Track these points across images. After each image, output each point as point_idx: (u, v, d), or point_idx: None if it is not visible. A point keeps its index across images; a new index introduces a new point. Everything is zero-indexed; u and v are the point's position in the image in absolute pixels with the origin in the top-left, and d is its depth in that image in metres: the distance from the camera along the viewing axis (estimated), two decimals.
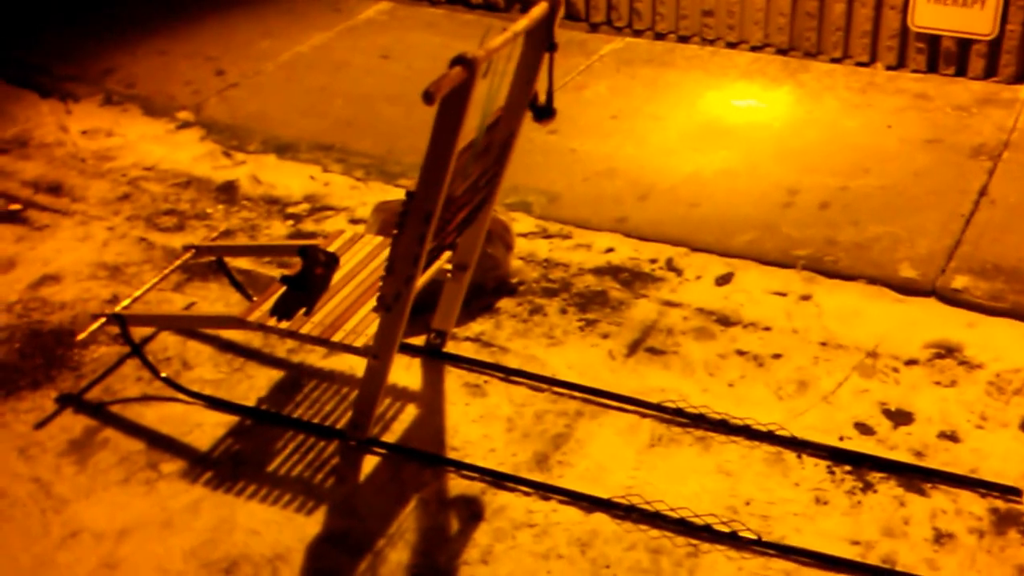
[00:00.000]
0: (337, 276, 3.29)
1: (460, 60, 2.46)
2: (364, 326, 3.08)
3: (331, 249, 3.38)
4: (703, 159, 4.65)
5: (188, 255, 3.74)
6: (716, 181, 4.49)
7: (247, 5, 6.46)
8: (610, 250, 4.12)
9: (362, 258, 3.38)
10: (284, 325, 3.11)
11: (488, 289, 3.86)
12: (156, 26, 6.21)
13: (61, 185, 4.73)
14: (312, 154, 4.90)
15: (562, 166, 4.68)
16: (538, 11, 2.78)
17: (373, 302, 3.06)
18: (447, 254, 3.29)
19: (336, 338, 3.05)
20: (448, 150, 2.58)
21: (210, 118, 5.25)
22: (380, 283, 2.91)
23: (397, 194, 4.47)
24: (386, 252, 3.34)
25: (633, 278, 3.95)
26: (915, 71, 5.24)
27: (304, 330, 3.08)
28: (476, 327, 3.73)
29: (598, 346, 3.63)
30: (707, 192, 4.42)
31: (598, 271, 4.00)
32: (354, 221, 4.37)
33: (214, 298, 3.92)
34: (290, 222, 4.40)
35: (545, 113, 2.98)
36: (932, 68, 5.21)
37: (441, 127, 2.56)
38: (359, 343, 3.03)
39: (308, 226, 4.36)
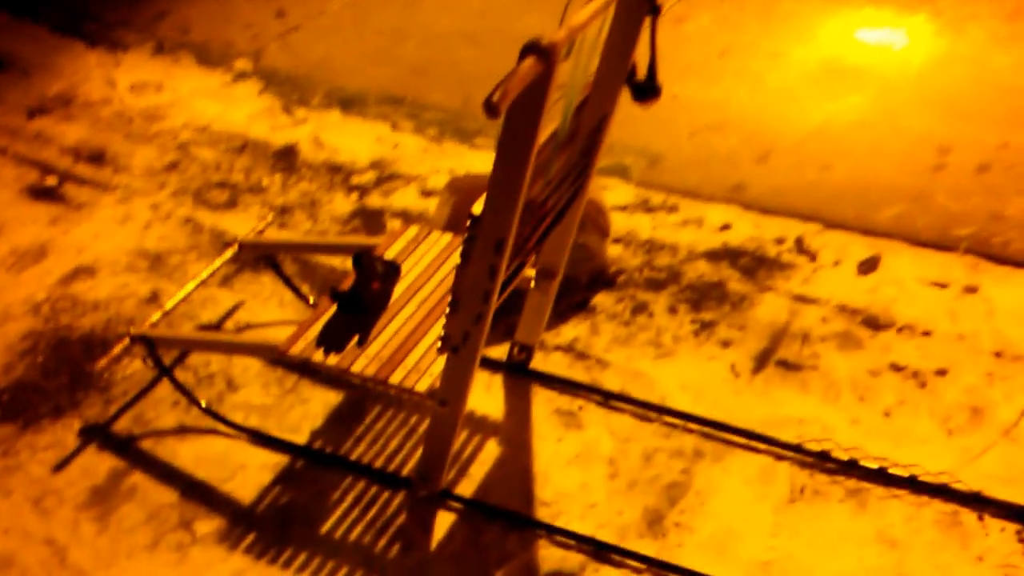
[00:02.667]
0: (399, 289, 2.56)
1: (532, 48, 1.67)
2: (428, 362, 2.36)
3: (391, 253, 2.65)
4: (832, 107, 3.79)
5: (231, 251, 3.05)
6: (849, 136, 3.64)
7: None
8: (726, 227, 3.33)
9: (428, 264, 2.64)
10: (333, 359, 2.40)
11: (582, 283, 3.10)
12: None
13: (104, 152, 4.05)
14: (380, 108, 4.14)
15: (663, 118, 3.84)
16: None
17: (438, 331, 2.34)
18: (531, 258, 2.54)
19: (395, 378, 2.33)
20: (521, 165, 1.82)
21: (270, 67, 4.51)
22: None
23: (472, 159, 3.73)
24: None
25: (756, 264, 3.16)
26: None
27: (356, 367, 2.37)
28: (569, 331, 2.98)
29: (717, 358, 2.86)
30: (840, 150, 3.57)
31: (713, 255, 3.21)
32: (426, 193, 3.62)
33: (267, 295, 3.23)
34: (355, 195, 3.67)
35: (647, 91, 2.18)
36: None
37: (510, 138, 1.79)
38: (422, 386, 2.31)
39: (374, 200, 3.63)
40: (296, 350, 2.42)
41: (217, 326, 3.13)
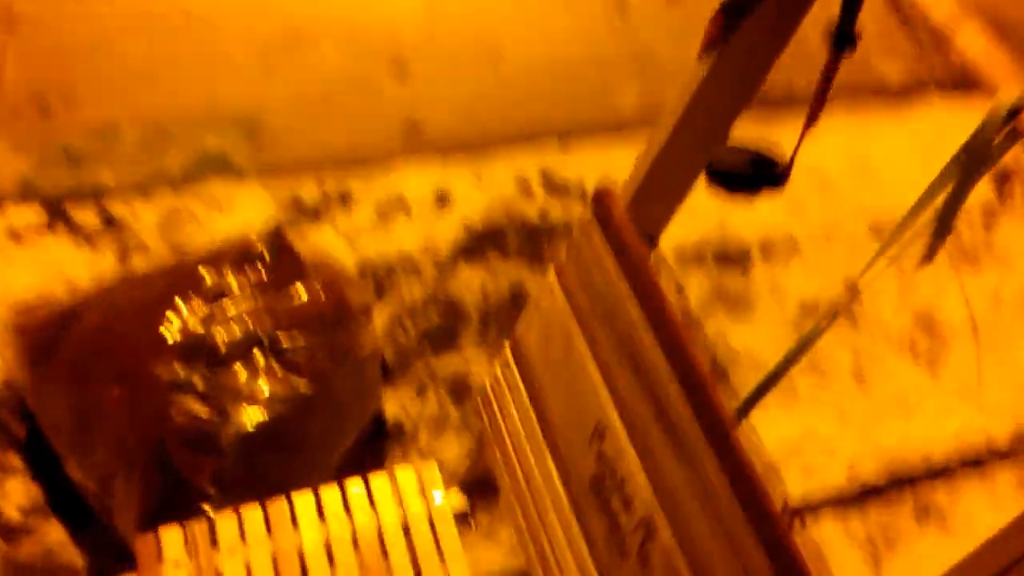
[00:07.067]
0: None
1: None
2: None
3: None
4: None
5: None
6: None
7: None
8: (443, 199, 2.24)
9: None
10: None
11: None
12: None
13: None
14: None
15: (210, 45, 2.51)
16: None
17: None
18: None
19: None
20: None
21: None
22: None
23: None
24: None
25: (531, 240, 2.16)
26: None
27: None
28: None
29: None
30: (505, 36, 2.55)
31: (471, 253, 2.15)
32: None
33: None
34: None
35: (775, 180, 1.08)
36: None
37: None
38: None
39: None
40: None
41: None
